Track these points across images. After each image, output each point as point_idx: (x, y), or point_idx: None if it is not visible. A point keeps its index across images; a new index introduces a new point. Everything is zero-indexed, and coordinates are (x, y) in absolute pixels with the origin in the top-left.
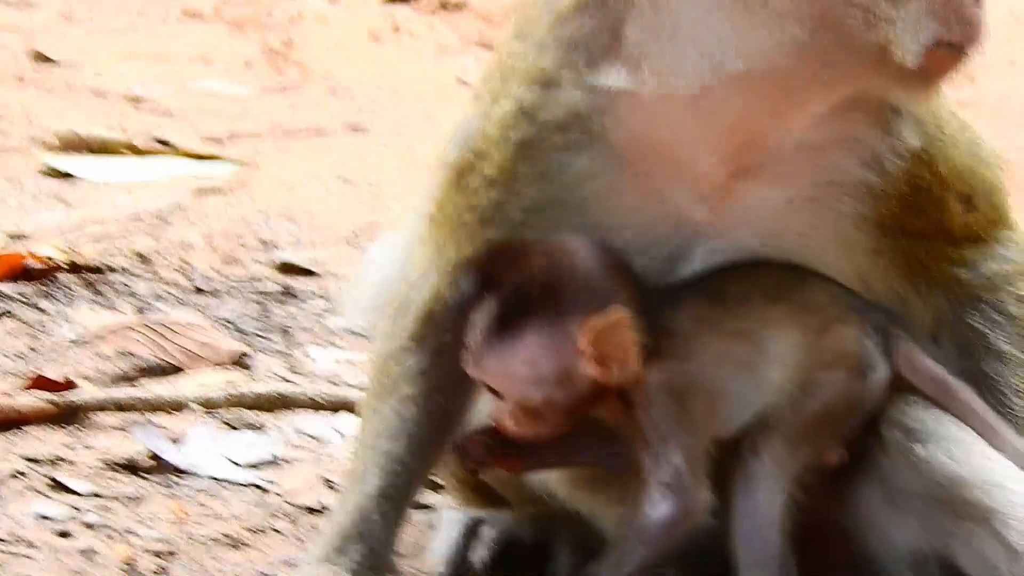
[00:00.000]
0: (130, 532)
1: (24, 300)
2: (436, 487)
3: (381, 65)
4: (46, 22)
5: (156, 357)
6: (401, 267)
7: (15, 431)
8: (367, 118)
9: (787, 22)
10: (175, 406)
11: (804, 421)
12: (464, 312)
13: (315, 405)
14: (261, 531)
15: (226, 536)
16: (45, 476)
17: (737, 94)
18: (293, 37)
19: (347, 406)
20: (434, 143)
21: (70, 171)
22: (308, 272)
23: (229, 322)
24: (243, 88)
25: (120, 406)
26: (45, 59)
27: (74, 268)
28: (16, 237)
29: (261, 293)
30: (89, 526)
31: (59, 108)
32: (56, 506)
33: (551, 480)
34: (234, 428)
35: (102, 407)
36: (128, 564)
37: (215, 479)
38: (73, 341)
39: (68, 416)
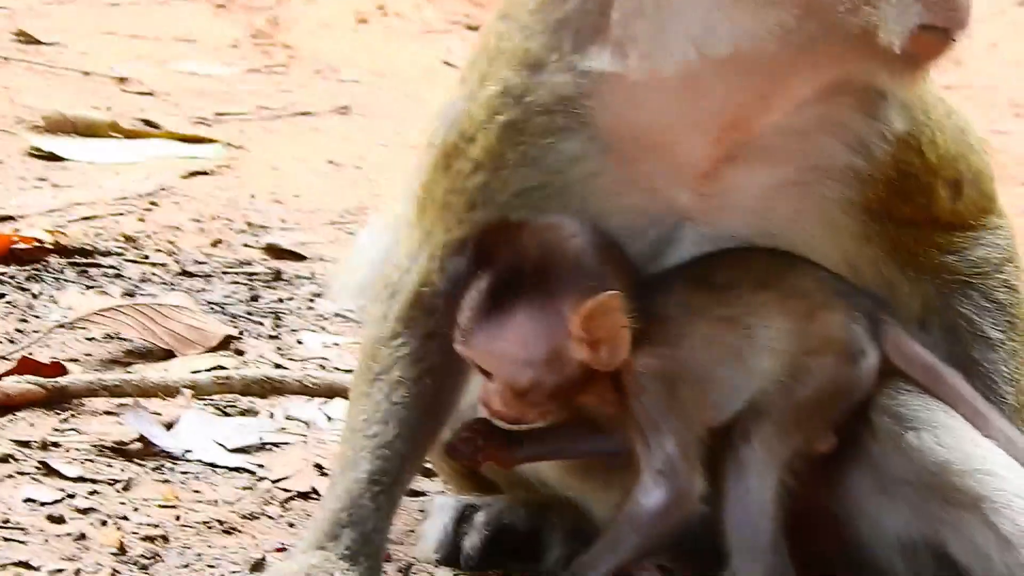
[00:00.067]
0: (121, 517)
1: (12, 283)
2: (428, 473)
3: (367, 46)
4: (31, 2)
5: (145, 341)
6: (390, 250)
7: (5, 415)
8: (354, 100)
9: (773, 5)
10: (165, 391)
11: (794, 407)
12: (455, 291)
13: (305, 390)
14: (252, 516)
15: (217, 521)
16: (36, 461)
17: (723, 78)
18: (279, 18)
19: (337, 390)
20: (421, 125)
21: (56, 152)
22: (297, 255)
23: (218, 305)
24: (229, 69)
25: (110, 390)
26: (30, 39)
27: (62, 250)
28: (2, 219)
29: (250, 276)
30: (80, 511)
31: (45, 88)
32: (47, 491)
33: (543, 467)
34: (224, 413)
35: (92, 391)
36: (119, 549)
37: (206, 464)
38: (61, 324)
39: (58, 400)
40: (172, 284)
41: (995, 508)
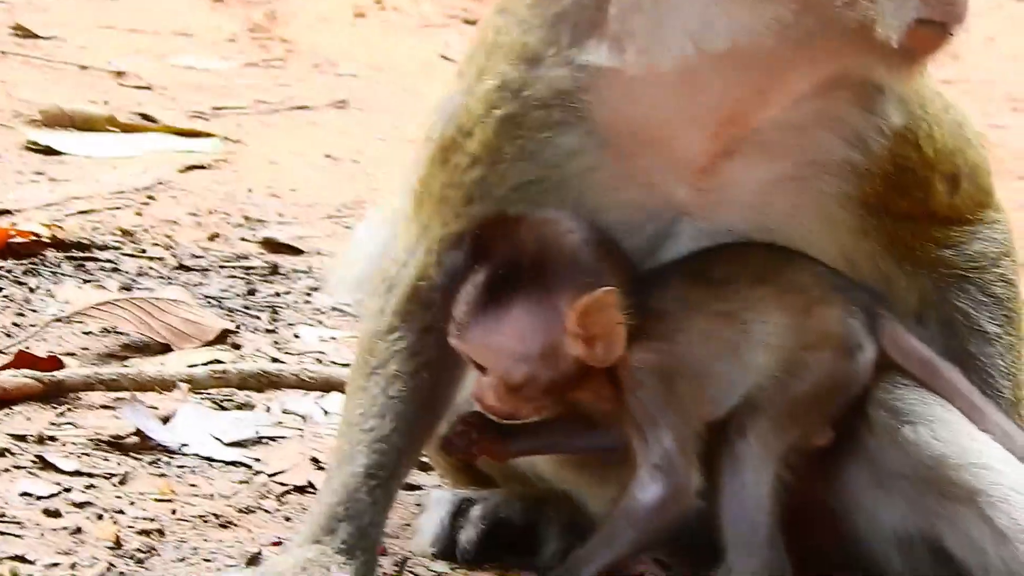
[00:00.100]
0: (117, 511)
1: (9, 277)
2: (424, 467)
3: (365, 40)
4: None
5: (142, 335)
6: (387, 244)
7: (1, 409)
8: (351, 94)
9: (770, 0)
10: (162, 385)
11: (791, 402)
12: (451, 285)
13: (302, 384)
14: (248, 510)
15: (213, 515)
16: (32, 455)
17: (720, 73)
18: (277, 12)
19: (334, 384)
20: (418, 119)
21: (53, 146)
22: (294, 249)
23: (215, 299)
24: (227, 63)
25: (107, 385)
26: (28, 33)
27: (59, 244)
28: (0, 213)
29: (247, 270)
30: (76, 505)
31: (42, 82)
32: (43, 485)
33: (539, 461)
34: (221, 407)
35: (89, 385)
36: (115, 543)
37: (202, 458)
38: (58, 318)
39: (55, 394)
40: (169, 278)
41: (991, 502)
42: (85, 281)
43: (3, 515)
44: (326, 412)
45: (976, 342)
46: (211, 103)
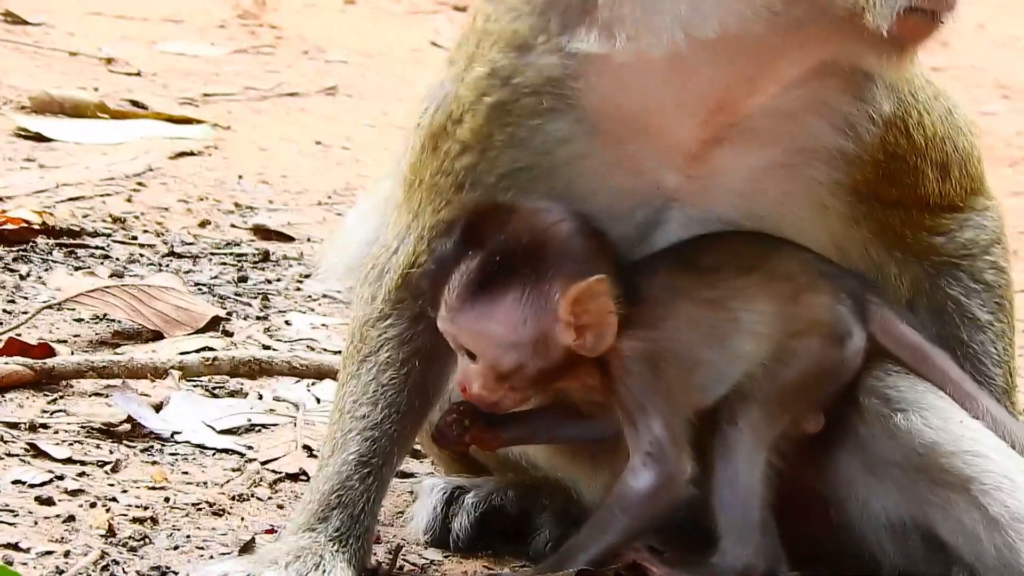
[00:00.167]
0: (110, 499)
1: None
2: (417, 454)
3: (355, 27)
4: None
5: (133, 322)
6: (378, 231)
7: None
8: (341, 80)
9: None
10: (154, 372)
11: (780, 389)
12: (440, 270)
13: (293, 371)
14: (241, 498)
15: (206, 503)
16: (24, 442)
17: (710, 59)
18: None
19: (326, 372)
20: (408, 106)
21: (44, 133)
22: (285, 236)
23: (206, 286)
24: (216, 50)
25: (99, 372)
26: (17, 20)
27: (50, 231)
28: None
29: (238, 257)
30: (69, 492)
31: (32, 69)
32: (35, 472)
33: (532, 450)
34: (213, 394)
35: (80, 373)
36: (108, 531)
37: (194, 445)
38: (49, 305)
39: (46, 382)
40: (160, 265)
41: (984, 489)
42: (76, 268)
43: None
44: (318, 399)
45: (967, 329)
46: (201, 90)
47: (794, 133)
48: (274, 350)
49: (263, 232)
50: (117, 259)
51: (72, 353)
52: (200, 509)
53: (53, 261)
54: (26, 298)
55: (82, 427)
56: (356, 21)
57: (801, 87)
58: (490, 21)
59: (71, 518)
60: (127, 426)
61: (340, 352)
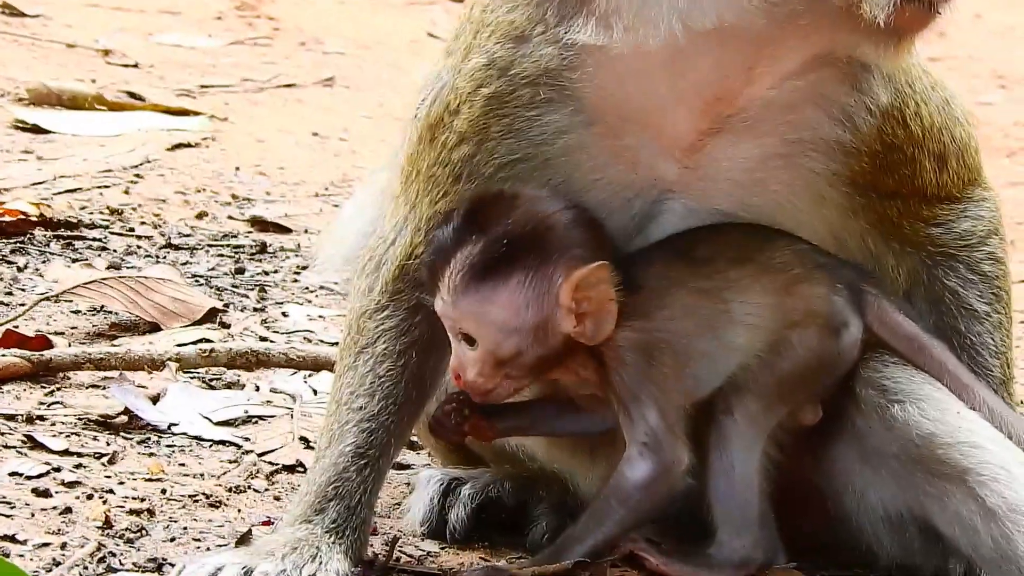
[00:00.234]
0: (107, 490)
1: None
2: (414, 446)
3: (352, 18)
4: None
5: (130, 313)
6: (375, 223)
7: None
8: (338, 71)
9: None
10: (151, 364)
11: (777, 380)
12: (442, 254)
13: (290, 362)
14: (238, 489)
15: (203, 494)
16: (21, 434)
17: (708, 50)
18: None
19: (323, 363)
20: (405, 97)
21: (41, 125)
22: (282, 228)
23: (203, 278)
24: (213, 41)
25: (96, 363)
26: (15, 11)
27: (47, 223)
28: None
29: (235, 249)
30: (65, 484)
31: (29, 61)
32: (32, 464)
33: (529, 441)
34: (210, 386)
35: (77, 364)
36: (105, 522)
37: (191, 437)
38: (47, 297)
39: (43, 373)
40: (157, 257)
41: (981, 480)
42: (73, 260)
43: None
44: (315, 391)
45: (965, 320)
46: (198, 81)
47: (791, 124)
48: (271, 342)
49: (260, 224)
50: (114, 251)
51: (69, 345)
52: (197, 501)
53: (50, 253)
54: (23, 290)
55: (79, 419)
56: (353, 12)
57: (798, 78)
58: (487, 12)
59: (68, 510)
60: (124, 418)
61: (337, 344)
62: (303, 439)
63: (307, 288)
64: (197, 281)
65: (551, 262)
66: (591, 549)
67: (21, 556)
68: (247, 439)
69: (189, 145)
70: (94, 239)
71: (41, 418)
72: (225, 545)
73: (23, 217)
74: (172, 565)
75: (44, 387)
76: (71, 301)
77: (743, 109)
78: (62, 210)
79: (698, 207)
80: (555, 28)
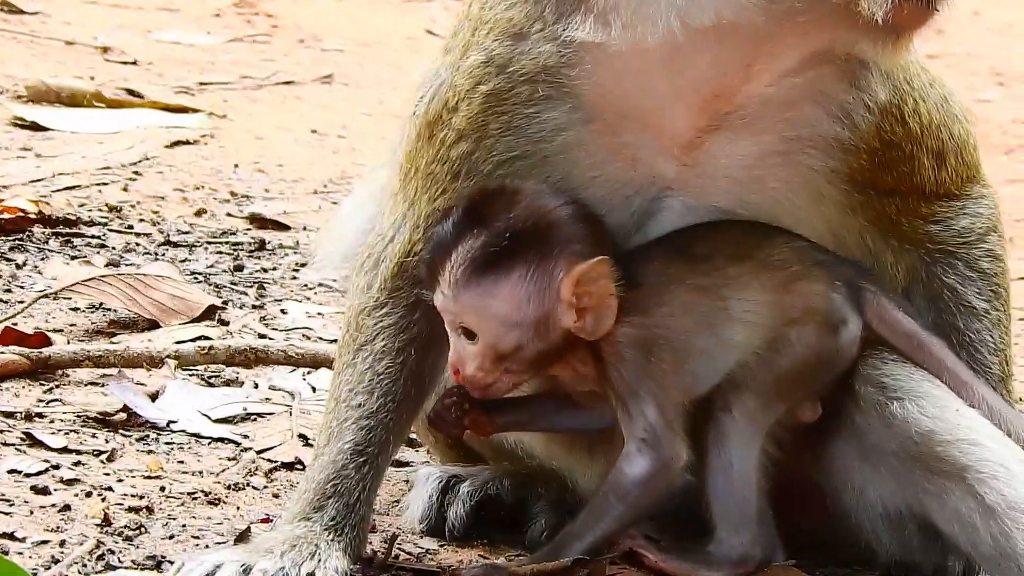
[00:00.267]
0: (106, 488)
1: None
2: (413, 443)
3: (351, 15)
4: None
5: (129, 311)
6: (373, 220)
7: None
8: (337, 69)
9: None
10: (150, 361)
11: (775, 377)
12: (441, 248)
13: (289, 360)
14: (237, 487)
15: (202, 492)
16: (20, 432)
17: (706, 47)
18: None
19: (321, 360)
20: (404, 94)
21: (40, 122)
22: (280, 225)
23: (202, 275)
24: (212, 38)
25: (94, 361)
26: (13, 9)
27: (46, 220)
28: None
29: (234, 246)
30: (64, 482)
31: (27, 58)
32: (31, 462)
33: (527, 438)
34: (209, 383)
35: (76, 362)
36: (104, 520)
37: (190, 434)
38: (45, 294)
39: (42, 371)
40: (156, 254)
41: (980, 478)
42: (72, 257)
43: None
44: (314, 388)
45: (964, 318)
46: (197, 78)
47: (790, 121)
48: (270, 339)
49: (259, 221)
50: (113, 248)
51: (68, 342)
52: (196, 498)
53: (49, 250)
54: (22, 287)
55: (78, 416)
56: (352, 9)
57: (797, 75)
58: (485, 9)
59: (67, 507)
60: (123, 415)
61: (336, 341)
62: (302, 436)
63: (306, 285)
64: (196, 278)
65: (552, 257)
66: (590, 546)
67: (20, 554)
68: (246, 436)
69: (188, 142)
70: (93, 236)
71: (40, 415)
72: (224, 543)
73: (22, 214)
74: (171, 563)
75: (43, 384)
76: (70, 298)
77: (741, 106)
78: (61, 207)
79: (697, 204)
80: (553, 25)
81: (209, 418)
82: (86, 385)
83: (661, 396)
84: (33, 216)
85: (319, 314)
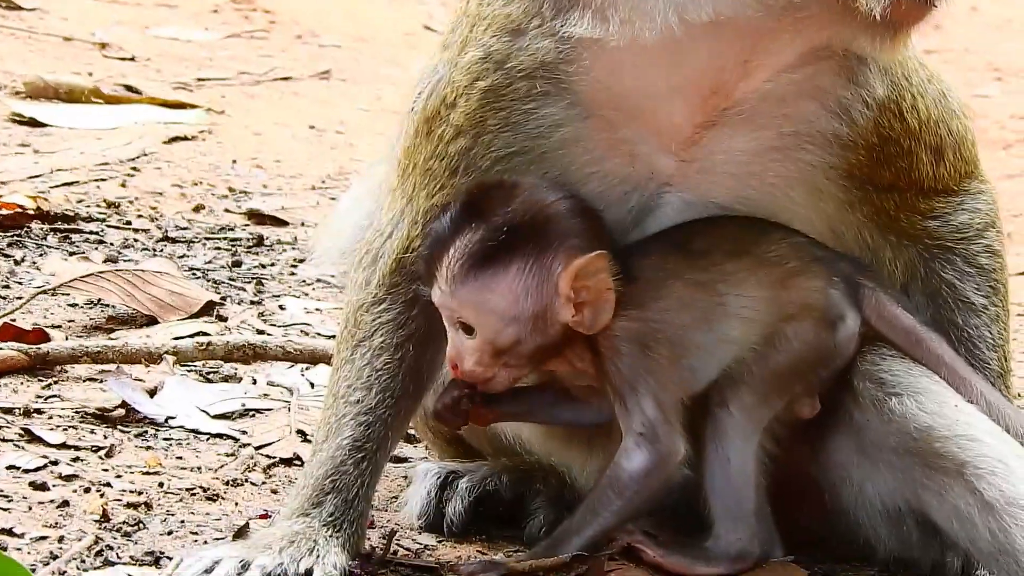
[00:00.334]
0: (104, 484)
1: None
2: (411, 439)
3: (348, 11)
4: None
5: (127, 307)
6: (371, 215)
7: None
8: (335, 64)
9: None
10: (148, 357)
11: (773, 373)
12: (439, 243)
13: (288, 356)
14: (235, 483)
15: (200, 488)
16: (18, 428)
17: (704, 43)
18: None
19: (320, 356)
20: (401, 90)
21: (38, 118)
22: (279, 221)
23: (200, 271)
24: (210, 34)
25: (93, 357)
26: (12, 5)
27: (44, 216)
28: None
29: (232, 242)
30: (63, 478)
31: (26, 54)
32: (30, 458)
33: (526, 434)
34: (207, 379)
35: (75, 358)
36: (102, 516)
37: (188, 430)
38: (44, 290)
39: (41, 367)
40: (154, 250)
41: (978, 474)
42: (70, 253)
43: None
44: (312, 384)
45: (962, 313)
46: (194, 74)
47: (788, 117)
48: (268, 335)
49: (257, 217)
50: (111, 244)
51: (66, 338)
52: (194, 494)
53: (47, 246)
54: (20, 283)
55: (76, 412)
56: (350, 5)
57: (795, 71)
58: (483, 5)
59: (65, 503)
60: (121, 411)
61: (334, 337)
62: (300, 432)
63: (304, 281)
64: (194, 274)
65: (550, 251)
66: (588, 541)
67: (19, 549)
68: (244, 432)
69: (186, 138)
70: (91, 232)
71: (38, 411)
72: (222, 538)
73: (20, 210)
74: (169, 558)
75: (41, 380)
76: (68, 294)
77: (739, 102)
78: (59, 203)
79: (695, 200)
80: (551, 21)
81: (207, 414)
82: (84, 381)
83: (659, 391)
84: (31, 212)
85: (317, 310)
